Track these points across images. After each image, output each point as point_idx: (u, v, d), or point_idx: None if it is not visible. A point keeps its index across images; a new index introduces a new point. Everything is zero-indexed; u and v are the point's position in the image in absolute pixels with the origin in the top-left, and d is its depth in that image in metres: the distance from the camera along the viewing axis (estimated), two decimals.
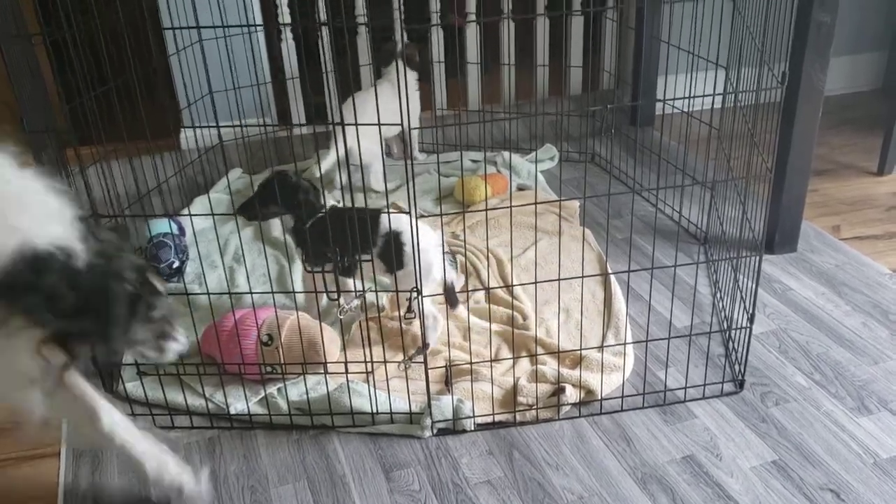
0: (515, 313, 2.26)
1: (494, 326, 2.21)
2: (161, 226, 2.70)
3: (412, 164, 2.87)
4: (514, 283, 2.39)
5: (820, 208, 2.90)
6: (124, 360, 2.13)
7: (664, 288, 2.36)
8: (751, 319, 1.96)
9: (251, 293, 2.07)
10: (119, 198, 2.25)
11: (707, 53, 2.22)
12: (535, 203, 1.97)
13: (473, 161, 3.29)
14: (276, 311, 2.10)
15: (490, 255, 2.56)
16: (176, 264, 2.61)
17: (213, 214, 1.78)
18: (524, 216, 2.75)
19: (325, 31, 3.37)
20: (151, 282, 1.46)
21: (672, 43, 2.44)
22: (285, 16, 3.43)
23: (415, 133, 3.33)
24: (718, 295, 2.35)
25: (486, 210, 1.95)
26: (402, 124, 1.73)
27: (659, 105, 3.48)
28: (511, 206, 1.89)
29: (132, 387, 2.04)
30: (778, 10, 1.98)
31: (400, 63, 3.09)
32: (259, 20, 3.47)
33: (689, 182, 2.84)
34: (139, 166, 2.73)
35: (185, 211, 2.93)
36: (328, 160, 2.91)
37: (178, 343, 1.54)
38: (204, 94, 3.12)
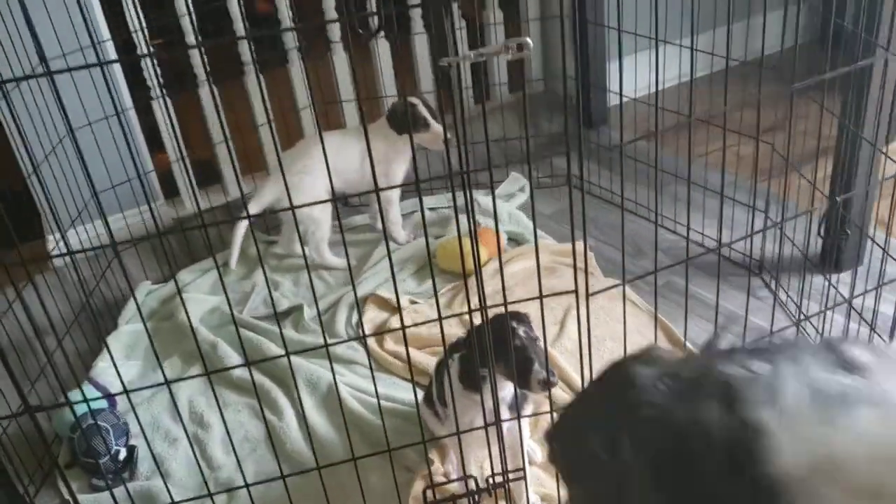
0: None
1: None
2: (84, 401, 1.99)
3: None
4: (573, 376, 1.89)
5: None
6: None
7: None
8: None
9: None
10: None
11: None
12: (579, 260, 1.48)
13: (432, 210, 2.73)
14: None
15: None
16: (123, 453, 1.93)
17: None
18: (534, 279, 2.23)
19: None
20: None
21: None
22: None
23: (393, 209, 2.57)
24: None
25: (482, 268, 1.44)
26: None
27: (610, 97, 3.02)
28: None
29: None
30: None
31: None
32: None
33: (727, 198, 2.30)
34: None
35: (102, 362, 2.20)
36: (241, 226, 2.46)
37: None
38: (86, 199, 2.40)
